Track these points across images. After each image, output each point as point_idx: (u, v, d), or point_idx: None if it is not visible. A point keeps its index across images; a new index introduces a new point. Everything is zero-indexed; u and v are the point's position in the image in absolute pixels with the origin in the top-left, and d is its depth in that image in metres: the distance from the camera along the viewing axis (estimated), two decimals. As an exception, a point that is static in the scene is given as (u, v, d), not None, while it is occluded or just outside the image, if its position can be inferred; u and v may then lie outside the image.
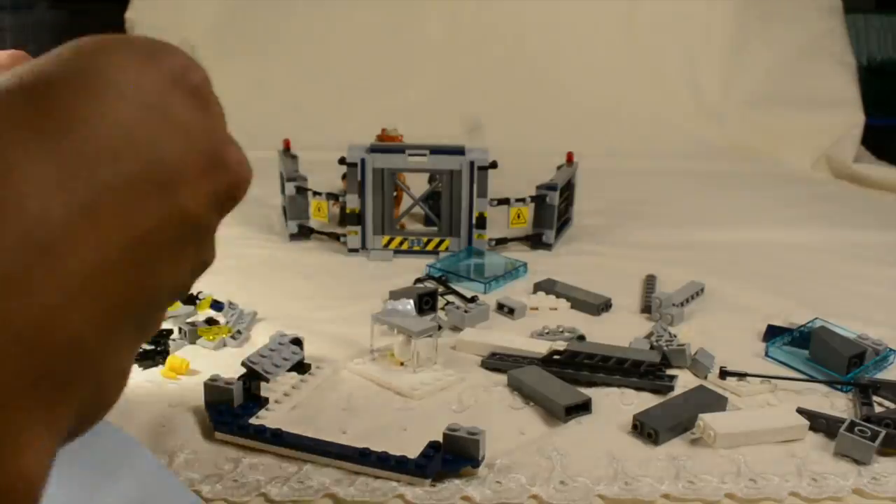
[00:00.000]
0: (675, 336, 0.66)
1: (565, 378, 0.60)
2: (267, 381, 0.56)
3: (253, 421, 0.53)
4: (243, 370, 0.56)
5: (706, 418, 0.53)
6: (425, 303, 0.72)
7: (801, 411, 0.55)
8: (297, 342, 0.60)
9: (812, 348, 0.64)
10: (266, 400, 0.55)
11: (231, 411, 0.53)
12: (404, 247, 0.89)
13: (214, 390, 0.54)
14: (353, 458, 0.49)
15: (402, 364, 0.61)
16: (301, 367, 0.60)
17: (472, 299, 0.75)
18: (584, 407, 0.55)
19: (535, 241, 0.93)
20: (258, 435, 0.51)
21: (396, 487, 0.47)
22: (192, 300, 0.70)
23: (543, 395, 0.56)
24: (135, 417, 0.54)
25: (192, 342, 0.65)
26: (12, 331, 0.15)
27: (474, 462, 0.49)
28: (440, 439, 0.50)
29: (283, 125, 1.24)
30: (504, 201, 0.90)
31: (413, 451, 0.49)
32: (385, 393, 0.58)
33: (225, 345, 0.66)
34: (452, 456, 0.49)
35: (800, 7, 1.61)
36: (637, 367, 0.60)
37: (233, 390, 0.54)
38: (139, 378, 0.59)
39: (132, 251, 0.18)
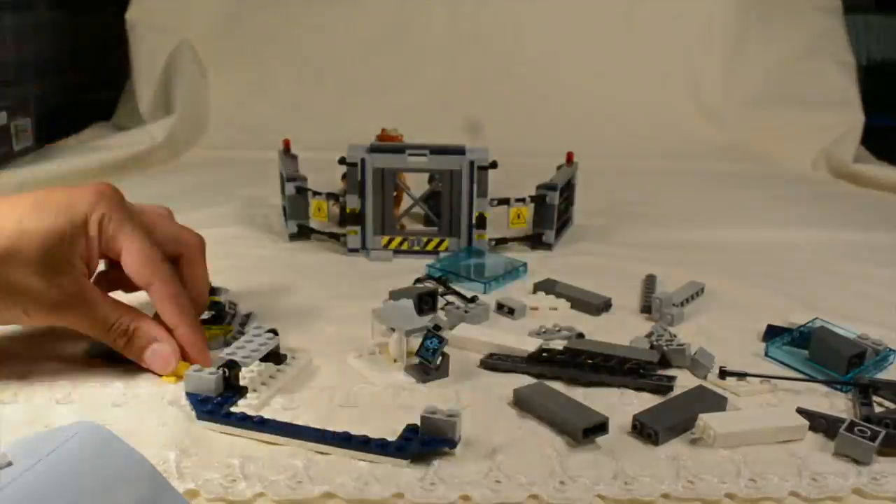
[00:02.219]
0: (674, 336, 0.66)
1: (563, 378, 0.60)
2: (243, 367, 0.57)
3: (234, 409, 0.54)
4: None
5: (706, 418, 0.53)
6: (425, 303, 0.72)
7: (800, 411, 0.55)
8: (273, 332, 0.61)
9: (812, 348, 0.64)
10: (245, 389, 0.57)
11: (212, 400, 0.55)
12: (404, 247, 0.89)
13: (194, 380, 0.56)
14: (336, 442, 0.50)
15: (395, 361, 0.61)
16: (277, 359, 0.61)
17: (472, 299, 0.75)
18: (601, 428, 0.53)
19: (535, 241, 0.93)
20: (241, 422, 0.52)
21: (396, 487, 0.47)
22: None
23: (558, 416, 0.54)
24: (133, 417, 0.54)
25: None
26: None
27: (451, 443, 0.50)
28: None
29: (283, 125, 1.24)
30: (504, 201, 0.90)
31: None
32: (383, 391, 0.58)
33: (225, 345, 0.66)
34: (430, 438, 0.50)
35: (799, 7, 1.61)
36: (636, 368, 0.60)
37: (213, 380, 0.55)
38: (138, 378, 0.59)
39: None
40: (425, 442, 0.50)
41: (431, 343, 0.60)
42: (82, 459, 0.37)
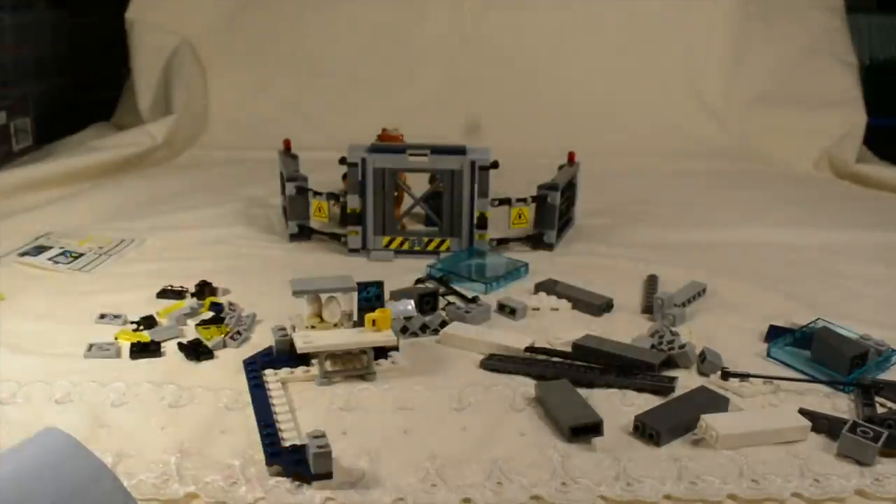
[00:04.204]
0: (676, 336, 0.65)
1: (562, 377, 0.60)
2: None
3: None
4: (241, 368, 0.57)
5: (708, 419, 0.52)
6: (426, 303, 0.72)
7: (803, 412, 0.55)
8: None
9: (814, 349, 0.64)
10: None
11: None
12: (405, 247, 0.89)
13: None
14: None
15: (335, 326, 0.64)
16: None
17: (473, 300, 0.74)
18: (593, 429, 0.52)
19: (536, 241, 0.92)
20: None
21: (397, 490, 0.47)
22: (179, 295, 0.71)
23: (552, 413, 0.54)
24: (133, 418, 0.54)
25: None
26: None
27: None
28: (440, 440, 0.50)
29: (283, 125, 1.24)
30: (505, 201, 0.89)
31: (414, 453, 0.49)
32: (384, 393, 0.58)
33: (224, 345, 0.65)
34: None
35: (801, 7, 1.61)
36: (636, 370, 0.60)
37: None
38: (139, 378, 0.59)
39: None
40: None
41: (369, 292, 0.64)
42: (44, 464, 0.37)
